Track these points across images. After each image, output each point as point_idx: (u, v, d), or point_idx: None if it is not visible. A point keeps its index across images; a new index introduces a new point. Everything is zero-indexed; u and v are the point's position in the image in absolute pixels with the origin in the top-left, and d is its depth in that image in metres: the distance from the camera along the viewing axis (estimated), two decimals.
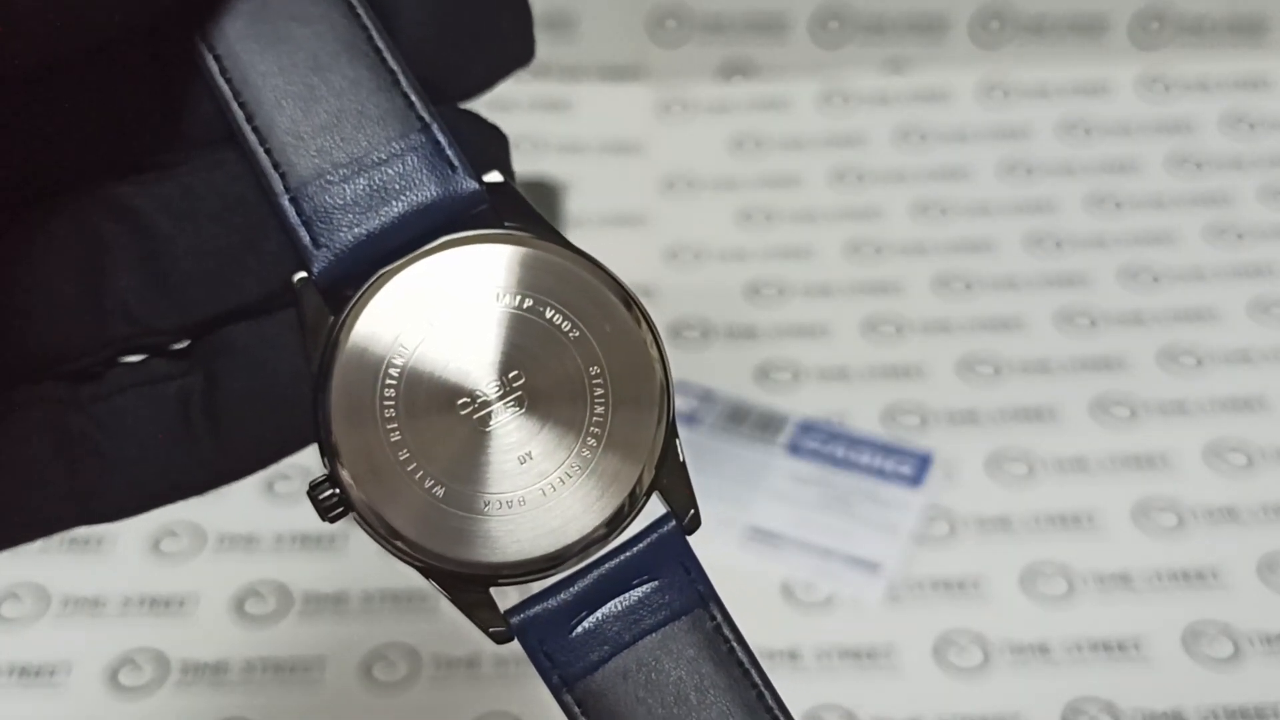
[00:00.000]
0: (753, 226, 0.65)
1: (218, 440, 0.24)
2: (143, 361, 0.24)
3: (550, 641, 0.24)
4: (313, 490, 0.23)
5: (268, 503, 0.52)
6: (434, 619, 0.48)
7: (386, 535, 0.23)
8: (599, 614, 0.24)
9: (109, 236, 0.24)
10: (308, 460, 0.55)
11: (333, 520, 0.23)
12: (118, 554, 0.51)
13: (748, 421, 0.54)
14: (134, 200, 0.24)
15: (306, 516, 0.52)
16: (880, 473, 0.52)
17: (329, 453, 0.23)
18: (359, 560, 0.51)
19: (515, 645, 0.25)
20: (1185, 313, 0.59)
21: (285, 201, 0.24)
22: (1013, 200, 0.66)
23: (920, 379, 0.57)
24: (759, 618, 0.48)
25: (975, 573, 0.49)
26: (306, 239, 0.24)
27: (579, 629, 0.24)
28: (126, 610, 0.49)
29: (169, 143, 0.25)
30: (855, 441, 0.53)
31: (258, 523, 0.52)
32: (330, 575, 0.50)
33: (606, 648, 0.24)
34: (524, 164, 0.73)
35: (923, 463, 0.52)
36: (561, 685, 0.24)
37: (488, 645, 0.50)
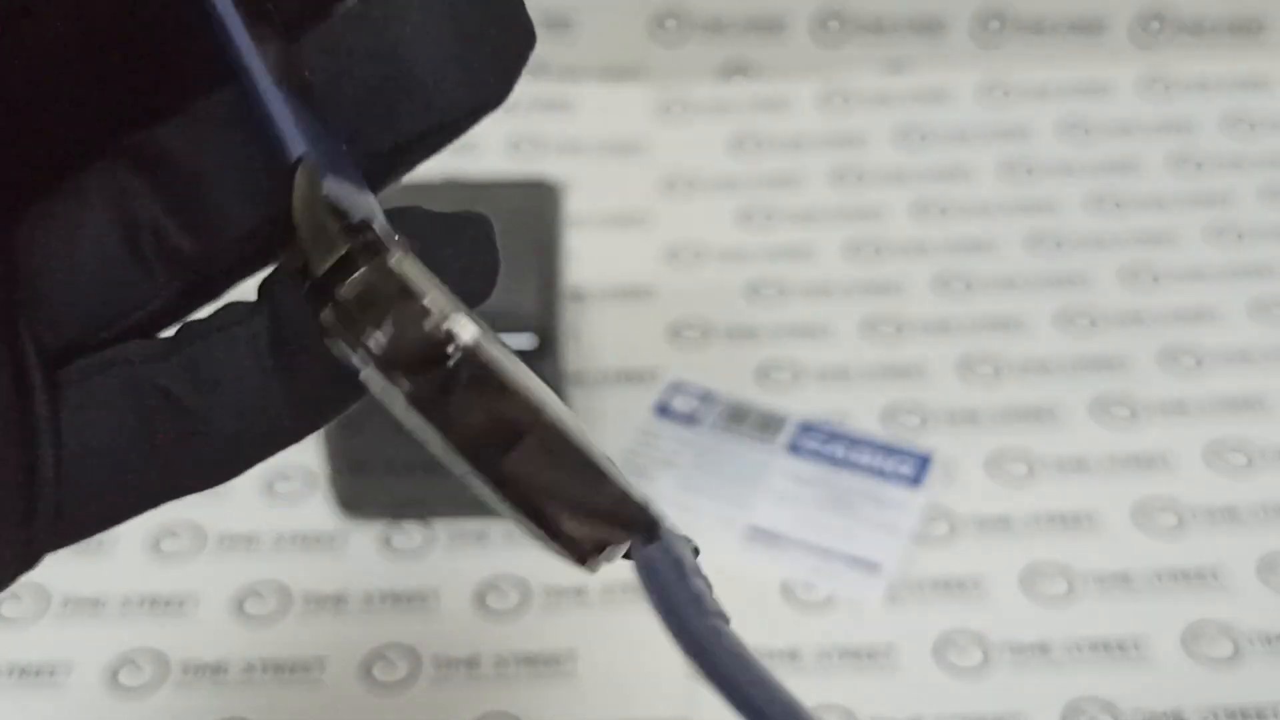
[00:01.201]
0: (753, 226, 0.65)
1: (295, 382, 0.23)
2: (212, 313, 0.24)
3: None
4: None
5: (267, 503, 0.52)
6: (434, 619, 0.48)
7: None
8: None
9: (143, 185, 0.23)
10: (308, 460, 0.55)
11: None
12: (118, 554, 0.51)
13: (748, 421, 0.54)
14: (164, 142, 0.23)
15: (306, 517, 0.52)
16: (880, 473, 0.52)
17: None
18: (359, 560, 0.51)
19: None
20: (1185, 313, 0.59)
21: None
22: (1013, 200, 0.66)
23: (920, 379, 0.57)
24: (759, 618, 0.48)
25: (975, 573, 0.49)
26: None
27: None
28: (126, 610, 0.49)
29: (182, 82, 0.24)
30: (855, 441, 0.53)
31: (258, 523, 0.52)
32: (330, 575, 0.50)
33: None
34: (524, 164, 0.73)
35: (923, 463, 0.52)
36: None
37: (488, 645, 0.50)
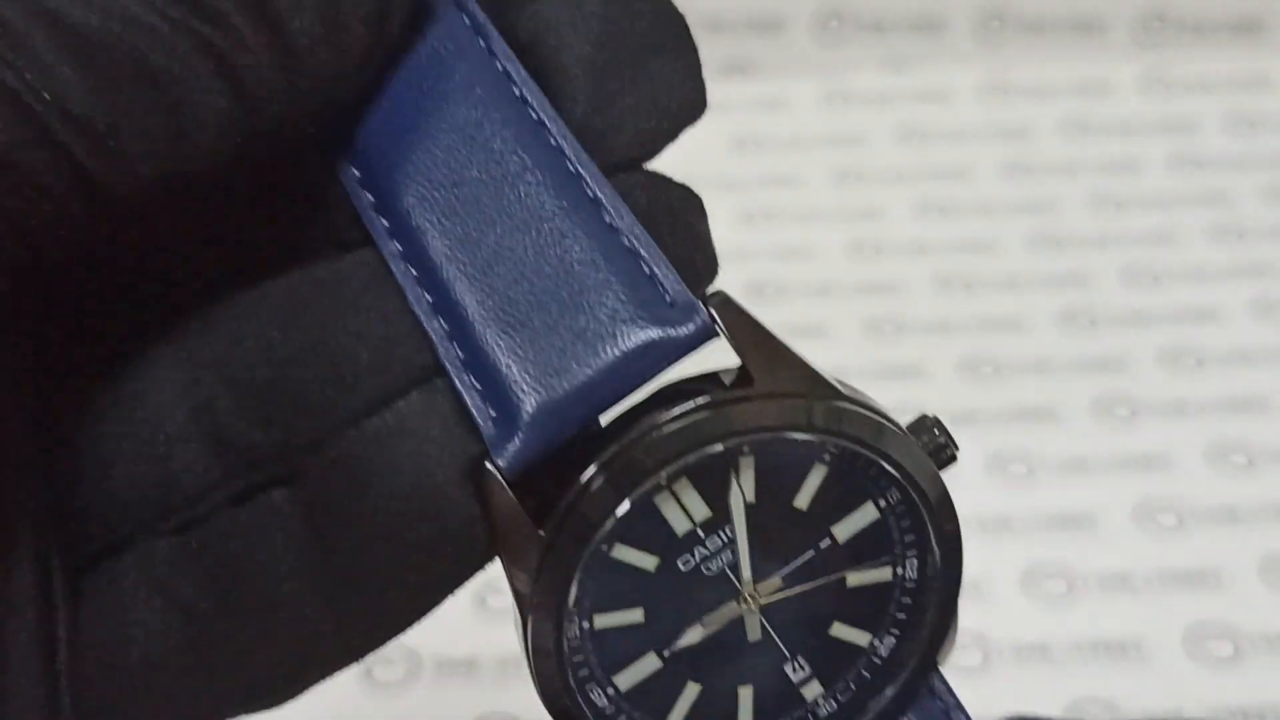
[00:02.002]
0: (753, 226, 0.65)
1: (342, 571, 0.21)
2: (254, 497, 0.22)
3: None
4: None
5: None
6: (434, 619, 0.48)
7: None
8: None
9: (205, 353, 0.22)
10: None
11: None
12: None
13: None
14: (227, 312, 0.22)
15: None
16: None
17: None
18: None
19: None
20: (1186, 312, 0.59)
21: (456, 363, 0.20)
22: (1013, 200, 0.66)
23: (920, 379, 0.57)
24: None
25: (975, 573, 0.49)
26: (484, 410, 0.19)
27: None
28: None
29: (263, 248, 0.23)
30: None
31: None
32: None
33: None
34: None
35: None
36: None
37: (488, 645, 0.50)
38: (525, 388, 0.20)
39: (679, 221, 0.23)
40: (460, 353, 0.20)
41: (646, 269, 0.21)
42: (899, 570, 0.22)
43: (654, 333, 0.20)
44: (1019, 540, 0.51)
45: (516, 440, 0.20)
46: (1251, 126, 0.69)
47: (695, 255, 0.23)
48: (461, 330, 0.20)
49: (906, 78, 0.71)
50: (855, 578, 0.22)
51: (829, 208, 0.65)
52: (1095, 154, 0.68)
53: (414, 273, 0.21)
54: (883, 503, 0.22)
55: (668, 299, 0.20)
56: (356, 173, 0.22)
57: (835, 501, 0.22)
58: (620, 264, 0.20)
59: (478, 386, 0.20)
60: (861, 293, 0.61)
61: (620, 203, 0.21)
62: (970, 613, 0.48)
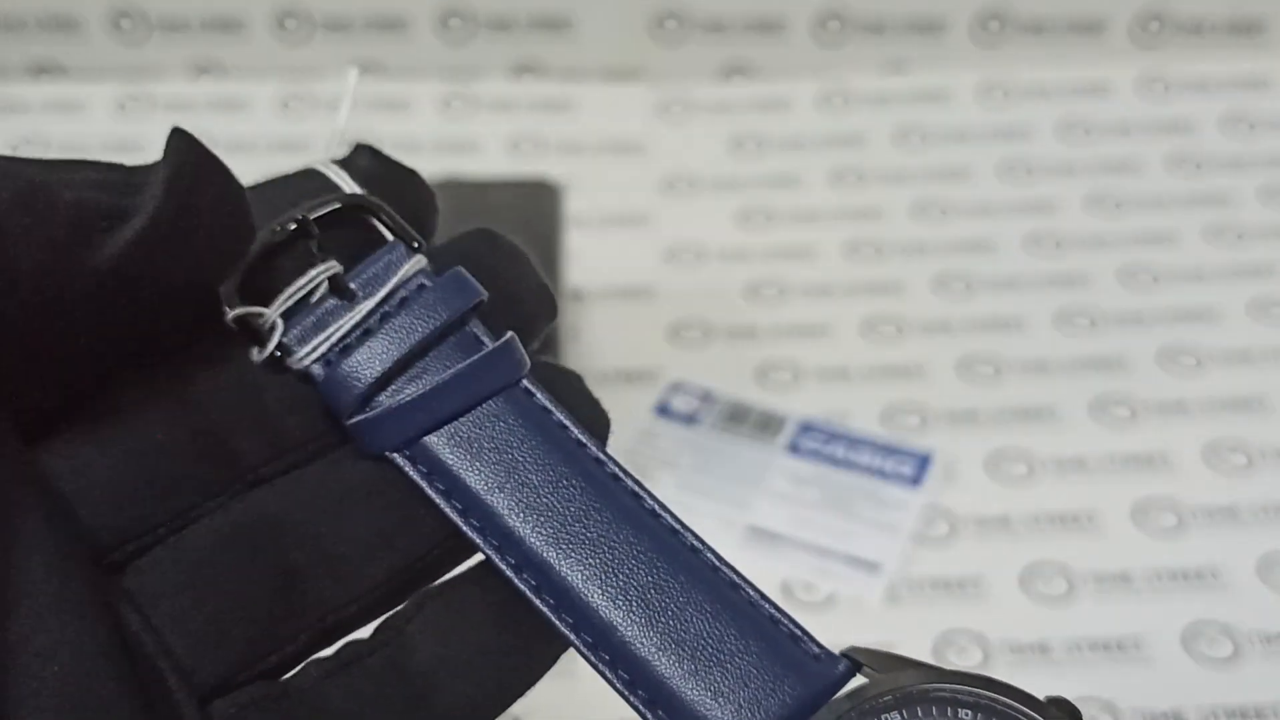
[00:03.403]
0: (753, 226, 0.65)
1: (427, 713, 0.24)
2: (336, 650, 0.24)
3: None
4: None
5: None
6: None
7: None
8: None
9: (278, 532, 0.24)
10: None
11: None
12: None
13: (748, 421, 0.54)
14: (311, 498, 0.24)
15: None
16: (880, 473, 0.52)
17: None
18: None
19: None
20: (1185, 313, 0.59)
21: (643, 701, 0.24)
22: (1013, 200, 0.66)
23: (920, 379, 0.57)
24: None
25: (975, 573, 0.50)
26: None
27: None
28: None
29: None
30: (855, 441, 0.53)
31: None
32: None
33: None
34: (524, 164, 0.73)
35: (923, 463, 0.52)
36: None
37: None
38: None
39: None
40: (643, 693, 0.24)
41: (788, 630, 0.25)
42: None
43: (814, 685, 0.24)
44: (1018, 540, 0.51)
45: None
46: (1250, 127, 0.69)
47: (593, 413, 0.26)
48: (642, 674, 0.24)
49: (906, 78, 0.72)
50: None
51: (828, 208, 0.66)
52: (1094, 155, 0.68)
53: (551, 601, 0.24)
54: None
55: (814, 652, 0.25)
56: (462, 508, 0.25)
57: None
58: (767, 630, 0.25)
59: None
60: (861, 293, 0.61)
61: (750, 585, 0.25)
62: (970, 613, 0.48)
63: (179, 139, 0.22)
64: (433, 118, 0.70)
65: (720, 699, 0.24)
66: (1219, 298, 0.60)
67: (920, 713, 0.24)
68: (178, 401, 0.24)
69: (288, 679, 0.24)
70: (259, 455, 0.24)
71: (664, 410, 0.54)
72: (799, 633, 0.25)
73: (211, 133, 0.68)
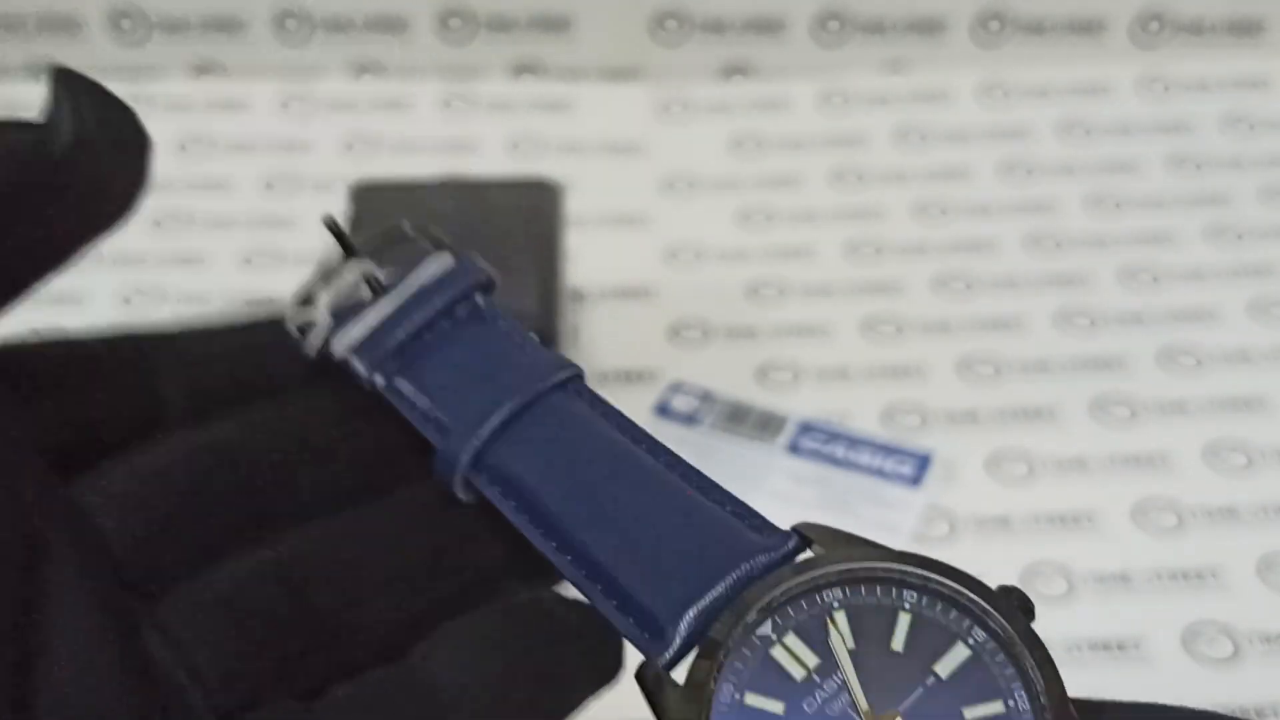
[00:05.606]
0: (753, 226, 0.65)
1: None
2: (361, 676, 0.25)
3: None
4: None
5: None
6: None
7: None
8: None
9: (310, 568, 0.25)
10: None
11: None
12: None
13: (748, 421, 0.54)
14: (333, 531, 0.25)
15: None
16: (880, 473, 0.52)
17: None
18: None
19: None
20: (1185, 313, 0.59)
21: (613, 608, 0.24)
22: (1012, 200, 0.66)
23: (920, 379, 0.57)
24: None
25: (975, 573, 0.49)
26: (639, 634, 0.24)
27: None
28: None
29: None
30: (855, 441, 0.53)
31: None
32: None
33: None
34: (524, 164, 0.73)
35: (923, 463, 0.52)
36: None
37: None
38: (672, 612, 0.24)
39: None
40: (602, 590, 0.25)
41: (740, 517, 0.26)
42: (1009, 702, 0.25)
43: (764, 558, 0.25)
44: (1018, 540, 0.51)
45: (673, 649, 0.24)
46: (1250, 127, 0.69)
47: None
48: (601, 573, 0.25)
49: (906, 78, 0.72)
50: (971, 712, 0.24)
51: (828, 208, 0.66)
52: (1094, 155, 0.68)
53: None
54: (971, 640, 0.26)
55: (759, 524, 0.26)
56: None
57: (928, 644, 0.25)
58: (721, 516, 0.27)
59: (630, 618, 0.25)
60: (861, 293, 0.61)
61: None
62: None
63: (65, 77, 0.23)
64: (433, 118, 0.70)
65: (660, 569, 0.25)
66: (1219, 298, 0.60)
67: (864, 591, 0.25)
68: (219, 438, 0.25)
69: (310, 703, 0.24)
70: (307, 491, 0.26)
71: (664, 410, 0.54)
72: (743, 510, 0.26)
73: (211, 133, 0.68)
